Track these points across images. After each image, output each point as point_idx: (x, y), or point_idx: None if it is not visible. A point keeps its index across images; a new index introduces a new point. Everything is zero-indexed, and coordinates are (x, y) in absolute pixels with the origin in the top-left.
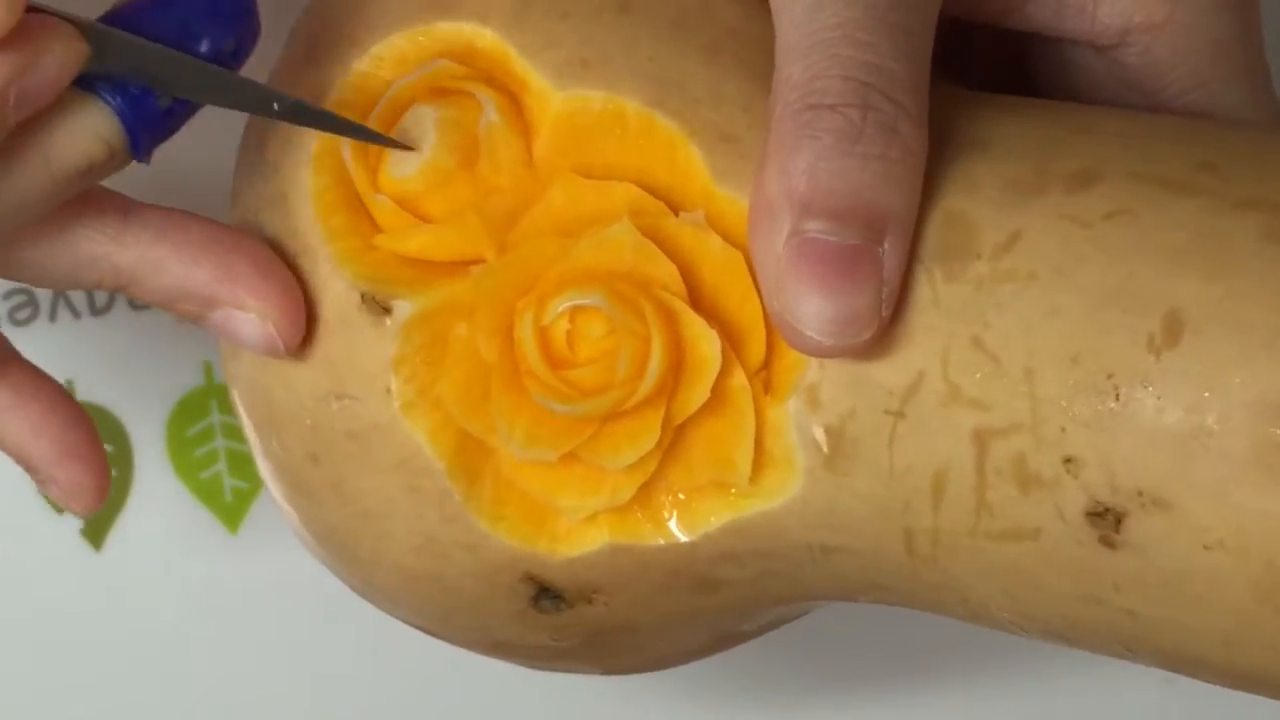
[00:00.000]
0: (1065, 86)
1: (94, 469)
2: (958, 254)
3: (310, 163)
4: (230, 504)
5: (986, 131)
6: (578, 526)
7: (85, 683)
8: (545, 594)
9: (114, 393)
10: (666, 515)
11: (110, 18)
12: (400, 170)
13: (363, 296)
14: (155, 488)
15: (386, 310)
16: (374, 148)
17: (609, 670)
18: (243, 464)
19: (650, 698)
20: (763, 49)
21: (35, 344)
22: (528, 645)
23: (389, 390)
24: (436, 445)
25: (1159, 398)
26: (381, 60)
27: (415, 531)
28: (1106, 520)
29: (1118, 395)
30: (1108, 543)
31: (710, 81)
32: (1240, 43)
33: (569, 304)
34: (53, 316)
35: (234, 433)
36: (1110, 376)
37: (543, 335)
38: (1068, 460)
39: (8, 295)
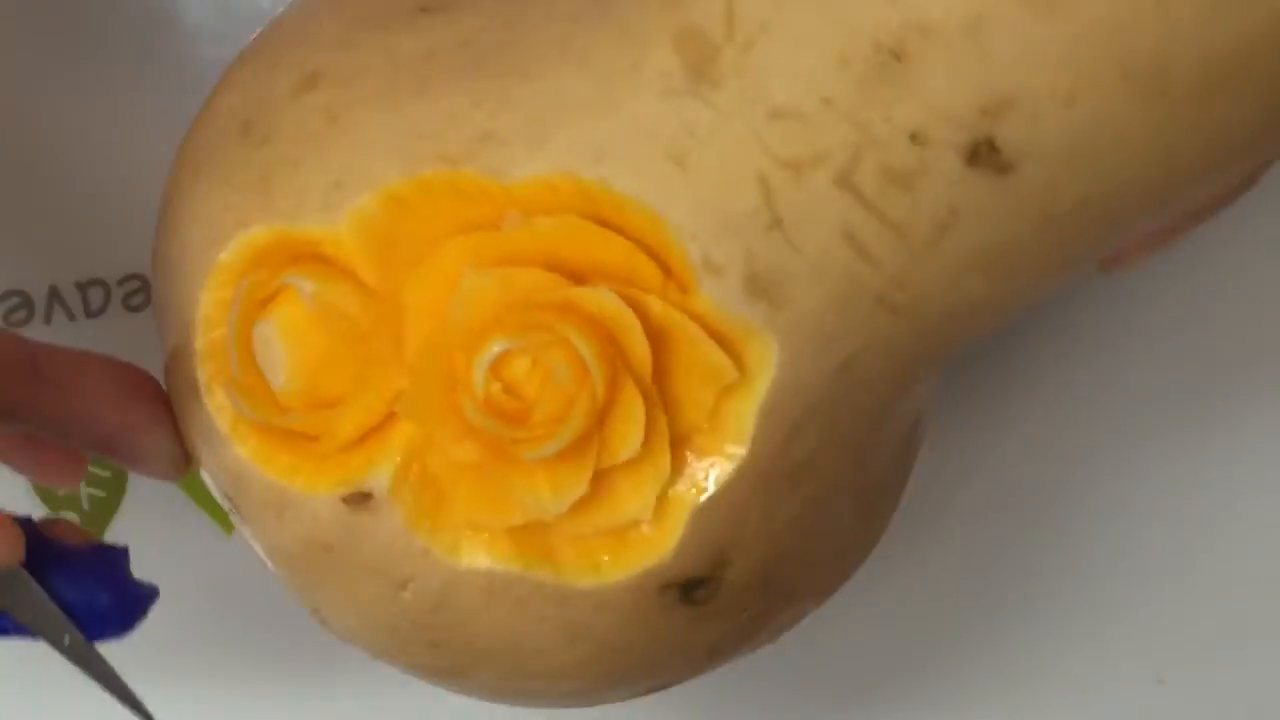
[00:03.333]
0: None
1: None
2: (706, 60)
3: (230, 432)
4: None
5: None
6: (664, 524)
7: (79, 685)
8: (687, 588)
9: None
10: (695, 464)
11: (37, 543)
12: (281, 385)
13: (345, 501)
14: (150, 490)
15: (368, 495)
16: (246, 382)
17: (797, 609)
18: None
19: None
20: None
21: None
22: (706, 646)
23: (426, 551)
24: (503, 557)
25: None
26: (215, 300)
27: (552, 634)
28: (984, 153)
29: (896, 56)
30: (1000, 168)
31: None
32: None
33: (491, 357)
34: (48, 318)
35: None
36: (877, 48)
37: (490, 406)
38: (913, 136)
39: (3, 297)
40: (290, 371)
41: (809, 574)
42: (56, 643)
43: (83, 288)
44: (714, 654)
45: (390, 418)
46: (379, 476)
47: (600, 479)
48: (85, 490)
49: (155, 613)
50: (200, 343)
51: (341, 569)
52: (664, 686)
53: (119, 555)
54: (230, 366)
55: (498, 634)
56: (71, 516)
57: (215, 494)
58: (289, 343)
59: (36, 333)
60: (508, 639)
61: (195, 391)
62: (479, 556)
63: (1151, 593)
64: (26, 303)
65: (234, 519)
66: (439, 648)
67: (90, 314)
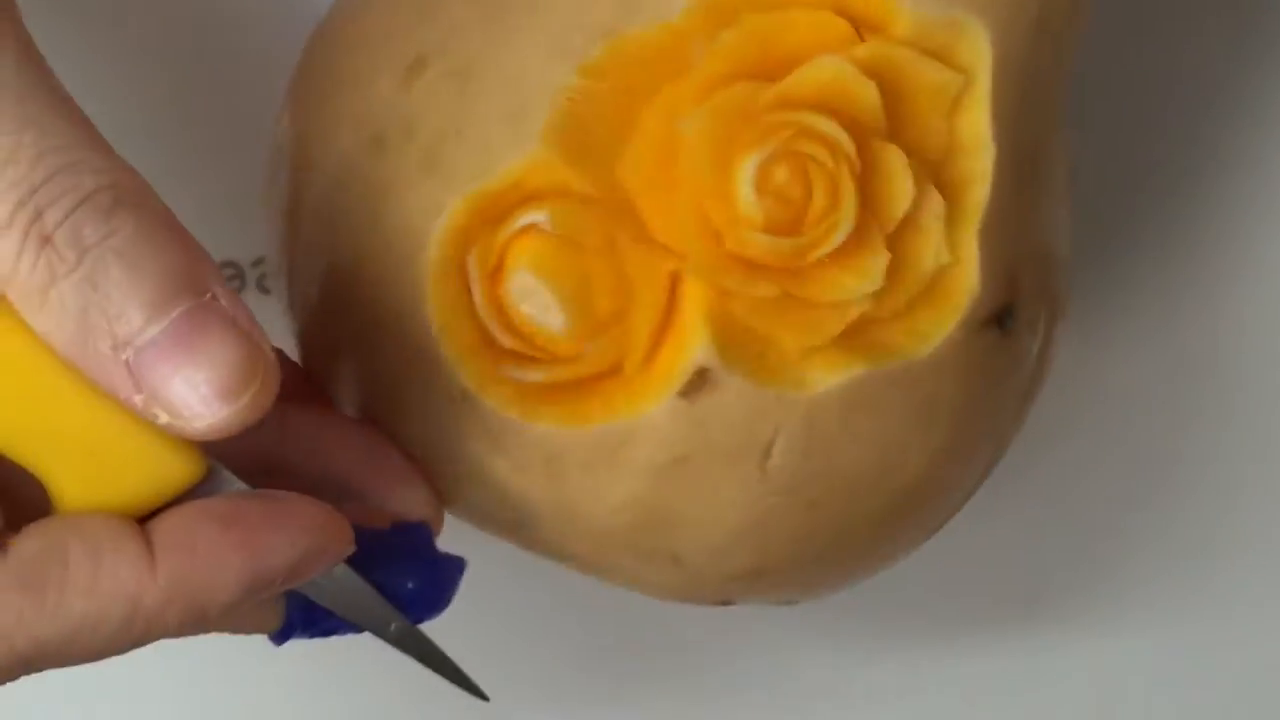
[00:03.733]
0: None
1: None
2: None
3: (525, 416)
4: None
5: None
6: (960, 259)
7: (81, 683)
8: (1001, 319)
9: None
10: (959, 190)
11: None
12: (564, 325)
13: (683, 395)
14: None
15: (704, 371)
16: (527, 348)
17: (1059, 323)
18: None
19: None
20: None
21: None
22: (1020, 390)
23: (778, 398)
24: (847, 364)
25: None
26: (445, 302)
27: (910, 424)
28: None
29: None
30: None
31: None
32: None
33: (751, 176)
34: None
35: None
36: None
37: (771, 225)
38: None
39: None
40: (567, 305)
41: (1061, 273)
42: (382, 632)
43: None
44: (1026, 398)
45: (675, 300)
46: (700, 353)
47: (891, 245)
48: None
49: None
50: (449, 351)
51: (700, 476)
52: (999, 456)
53: (421, 531)
54: (500, 350)
55: (864, 452)
56: None
57: (500, 523)
58: (551, 279)
59: None
60: (874, 451)
61: (464, 402)
62: (827, 376)
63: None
64: None
65: (538, 532)
66: (817, 506)
67: None
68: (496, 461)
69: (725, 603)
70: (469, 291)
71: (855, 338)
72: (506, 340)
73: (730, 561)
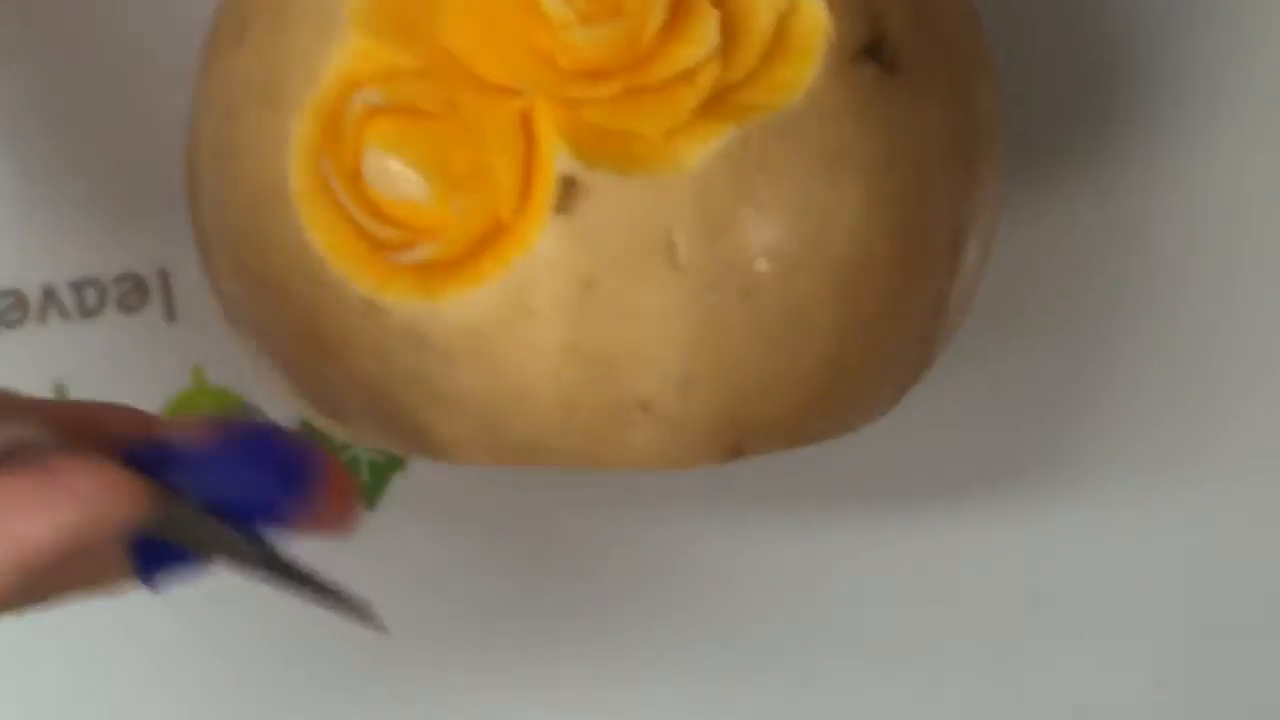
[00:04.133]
0: None
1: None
2: None
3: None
4: None
5: None
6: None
7: (81, 683)
8: (873, 51)
9: (103, 395)
10: None
11: (172, 453)
12: (431, 192)
13: (559, 210)
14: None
15: (571, 181)
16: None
17: (969, 75)
18: None
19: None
20: None
21: (24, 346)
22: (943, 129)
23: (659, 184)
24: (716, 130)
25: None
26: (323, 220)
27: (814, 174)
28: None
29: None
30: None
31: None
32: None
33: None
34: (42, 318)
35: None
36: None
37: (588, 17)
38: None
39: None
40: (423, 169)
41: (950, 13)
42: (236, 559)
43: (77, 287)
44: (969, 159)
45: (532, 136)
46: (560, 163)
47: (721, 4)
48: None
49: (155, 610)
50: (338, 264)
51: (616, 296)
52: (964, 230)
53: (256, 430)
54: (382, 243)
55: (778, 221)
56: None
57: (475, 441)
58: (400, 149)
59: (30, 333)
60: (789, 218)
61: (372, 313)
62: (697, 147)
63: None
64: (21, 302)
65: (508, 431)
66: (753, 293)
67: (85, 314)
68: (427, 363)
69: (736, 453)
70: (338, 204)
71: (717, 106)
72: (383, 231)
73: (699, 389)
